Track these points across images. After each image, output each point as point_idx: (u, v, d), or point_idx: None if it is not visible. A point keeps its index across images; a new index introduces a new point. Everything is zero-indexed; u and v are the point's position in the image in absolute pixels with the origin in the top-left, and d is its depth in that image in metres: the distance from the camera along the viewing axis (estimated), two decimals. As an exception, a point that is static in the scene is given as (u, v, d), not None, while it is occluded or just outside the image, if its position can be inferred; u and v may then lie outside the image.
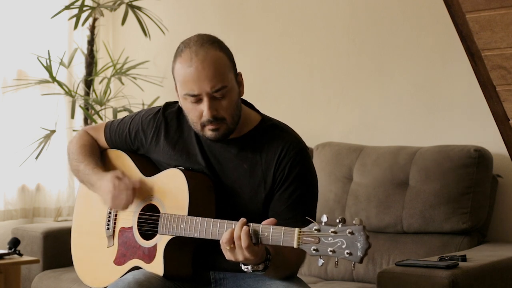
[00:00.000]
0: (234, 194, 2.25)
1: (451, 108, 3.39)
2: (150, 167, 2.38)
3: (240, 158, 2.26)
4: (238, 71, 2.25)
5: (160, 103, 4.20)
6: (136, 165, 2.39)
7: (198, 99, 2.16)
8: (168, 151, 2.34)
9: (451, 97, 3.39)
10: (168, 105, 2.39)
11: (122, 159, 2.44)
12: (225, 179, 2.26)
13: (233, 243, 2.01)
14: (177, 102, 2.35)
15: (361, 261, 1.90)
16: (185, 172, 2.24)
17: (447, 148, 3.12)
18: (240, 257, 2.02)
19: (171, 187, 2.25)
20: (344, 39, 3.72)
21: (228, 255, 2.04)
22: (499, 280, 2.68)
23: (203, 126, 2.20)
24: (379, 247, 3.16)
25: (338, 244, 1.90)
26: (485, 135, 3.23)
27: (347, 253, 1.90)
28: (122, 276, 2.30)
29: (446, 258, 2.63)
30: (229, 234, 2.02)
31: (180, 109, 2.34)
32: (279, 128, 2.29)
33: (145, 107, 4.25)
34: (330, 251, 1.90)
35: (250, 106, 2.34)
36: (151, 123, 2.37)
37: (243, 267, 2.09)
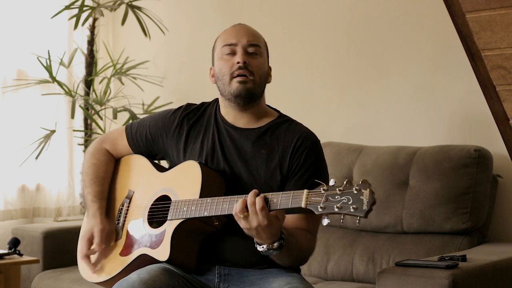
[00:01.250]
0: (249, 178, 2.32)
1: (451, 108, 3.39)
2: (166, 167, 2.48)
3: (258, 144, 2.37)
4: (270, 65, 2.48)
5: (160, 103, 4.23)
6: (152, 164, 2.47)
7: (233, 51, 2.37)
8: (189, 142, 2.42)
9: (451, 97, 3.39)
10: (189, 104, 2.52)
11: (137, 161, 2.51)
12: (242, 163, 2.34)
13: (247, 211, 2.08)
14: (196, 103, 2.52)
15: (366, 215, 1.94)
16: (200, 164, 2.31)
17: (447, 148, 3.12)
18: (254, 223, 2.07)
19: (185, 177, 2.32)
20: (344, 39, 3.72)
21: (243, 224, 2.10)
22: (499, 280, 2.68)
23: (232, 78, 2.36)
24: (379, 247, 3.16)
25: (344, 200, 1.97)
26: (485, 135, 3.23)
27: (353, 208, 1.95)
28: (127, 266, 2.33)
29: (446, 258, 2.63)
30: (242, 203, 2.09)
31: (201, 105, 2.50)
32: (295, 122, 2.44)
33: (145, 107, 4.25)
34: (336, 207, 1.96)
35: (269, 107, 2.50)
36: (171, 118, 2.47)
37: (258, 247, 2.14)
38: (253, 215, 2.07)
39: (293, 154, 2.34)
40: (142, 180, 2.46)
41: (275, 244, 2.12)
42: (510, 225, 3.23)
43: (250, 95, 2.36)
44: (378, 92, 3.61)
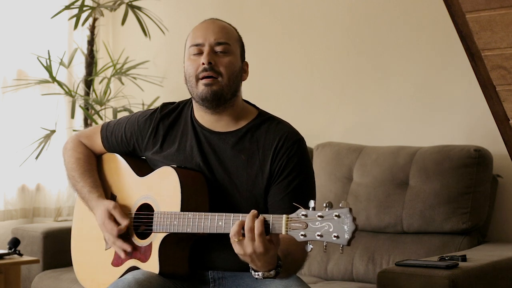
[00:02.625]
0: (231, 186, 2.26)
1: (451, 108, 3.39)
2: (144, 168, 2.40)
3: (237, 149, 2.27)
4: (245, 60, 2.34)
5: (160, 103, 4.21)
6: (131, 167, 2.41)
7: (200, 51, 2.26)
8: (166, 147, 2.35)
9: (451, 97, 3.39)
10: (165, 104, 2.43)
11: (116, 162, 2.46)
12: (222, 170, 2.27)
13: (242, 235, 1.97)
14: (174, 102, 2.42)
15: (348, 244, 1.88)
16: (177, 169, 2.24)
17: (447, 148, 3.12)
18: (249, 249, 1.96)
19: (164, 185, 2.26)
20: (344, 39, 3.72)
21: (237, 249, 1.99)
22: (499, 280, 2.68)
23: (197, 80, 2.25)
24: (379, 247, 3.16)
25: (325, 228, 1.88)
26: (485, 135, 3.23)
27: (334, 236, 1.87)
28: (121, 276, 2.30)
29: (446, 258, 2.63)
30: (239, 225, 1.97)
31: (178, 105, 2.40)
32: (276, 120, 2.32)
33: (145, 107, 4.25)
34: (318, 235, 1.89)
35: (248, 103, 2.38)
36: (147, 122, 2.39)
37: (253, 274, 2.05)
38: (249, 241, 1.95)
39: (274, 157, 2.24)
40: (122, 184, 2.40)
41: (271, 272, 2.02)
42: (510, 225, 3.23)
43: (218, 97, 2.23)
44: (378, 92, 3.61)
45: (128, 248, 2.28)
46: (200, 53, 2.26)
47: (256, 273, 2.03)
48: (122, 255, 2.30)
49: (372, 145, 3.39)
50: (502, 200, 3.23)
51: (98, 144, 2.50)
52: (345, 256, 3.20)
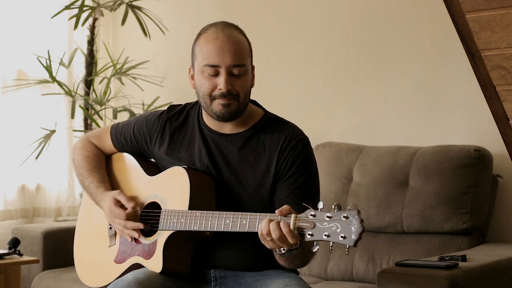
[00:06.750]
0: (238, 186, 2.28)
1: (451, 108, 3.39)
2: (154, 168, 2.43)
3: (244, 150, 2.30)
4: (253, 64, 2.33)
5: (160, 103, 4.23)
6: (141, 166, 2.43)
7: (216, 72, 2.24)
8: (173, 148, 2.37)
9: (451, 97, 3.39)
10: (172, 106, 2.45)
11: (126, 162, 2.48)
12: (230, 171, 2.29)
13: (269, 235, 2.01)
14: (180, 104, 2.44)
15: (355, 245, 1.92)
16: (187, 170, 2.27)
17: (447, 148, 3.12)
18: (273, 246, 2.03)
19: (174, 185, 2.28)
20: (344, 39, 3.72)
21: (270, 246, 2.04)
22: (499, 280, 2.68)
23: (213, 99, 2.25)
24: (379, 247, 3.16)
25: (333, 228, 1.92)
26: (485, 135, 3.23)
27: (341, 237, 1.91)
28: (122, 275, 2.31)
29: (446, 258, 2.63)
30: (260, 230, 2.02)
31: (184, 107, 2.43)
32: (282, 121, 2.36)
33: (145, 107, 4.26)
34: (325, 235, 1.93)
35: (253, 102, 2.40)
36: (155, 123, 2.42)
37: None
38: (271, 241, 2.02)
39: (279, 156, 2.27)
40: (131, 183, 2.42)
41: (294, 251, 2.05)
42: (510, 225, 3.23)
43: (234, 115, 2.26)
44: (378, 92, 3.61)
45: (141, 225, 2.29)
46: (215, 74, 2.24)
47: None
48: (136, 235, 2.30)
49: (372, 145, 3.39)
50: (502, 200, 3.23)
51: (108, 144, 2.52)
52: (345, 256, 3.20)
